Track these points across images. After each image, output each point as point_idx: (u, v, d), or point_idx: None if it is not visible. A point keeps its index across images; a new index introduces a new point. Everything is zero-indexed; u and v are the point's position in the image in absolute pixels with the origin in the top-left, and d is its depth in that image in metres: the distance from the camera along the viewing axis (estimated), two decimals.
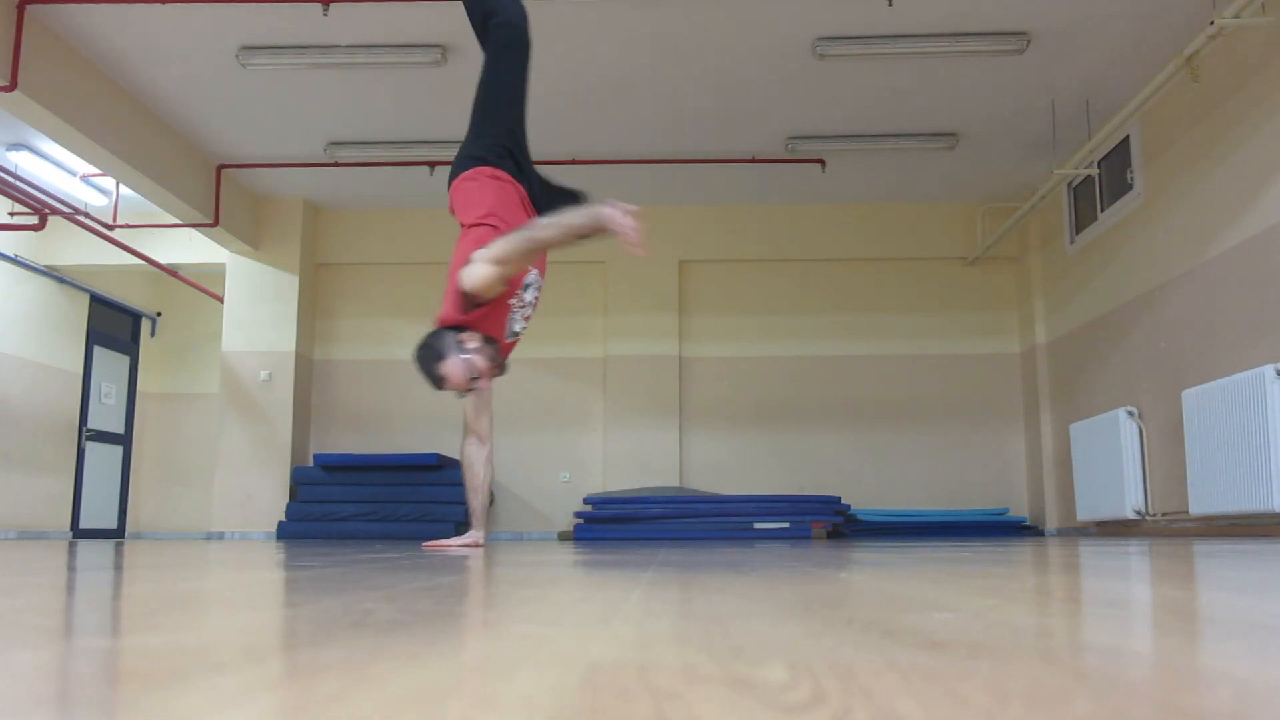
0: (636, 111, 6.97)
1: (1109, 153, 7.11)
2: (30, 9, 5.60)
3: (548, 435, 8.68)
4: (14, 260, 8.59)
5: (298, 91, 6.67)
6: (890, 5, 5.54)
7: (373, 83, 6.51)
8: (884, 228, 8.85)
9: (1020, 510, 8.57)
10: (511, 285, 3.73)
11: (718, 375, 8.80)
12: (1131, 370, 6.84)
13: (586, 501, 8.09)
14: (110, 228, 8.21)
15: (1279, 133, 5.21)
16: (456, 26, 5.84)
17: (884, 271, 8.91)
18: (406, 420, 8.67)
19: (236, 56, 6.11)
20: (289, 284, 8.60)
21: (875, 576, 1.61)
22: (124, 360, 10.28)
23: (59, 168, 7.89)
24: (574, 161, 7.78)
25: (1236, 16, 4.80)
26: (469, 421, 4.11)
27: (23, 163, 7.69)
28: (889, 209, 8.86)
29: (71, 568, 2.09)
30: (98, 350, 9.81)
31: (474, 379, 3.59)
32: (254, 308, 8.56)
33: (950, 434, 8.67)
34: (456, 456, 8.25)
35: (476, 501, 4.07)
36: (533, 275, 3.98)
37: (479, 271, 3.50)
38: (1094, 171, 7.22)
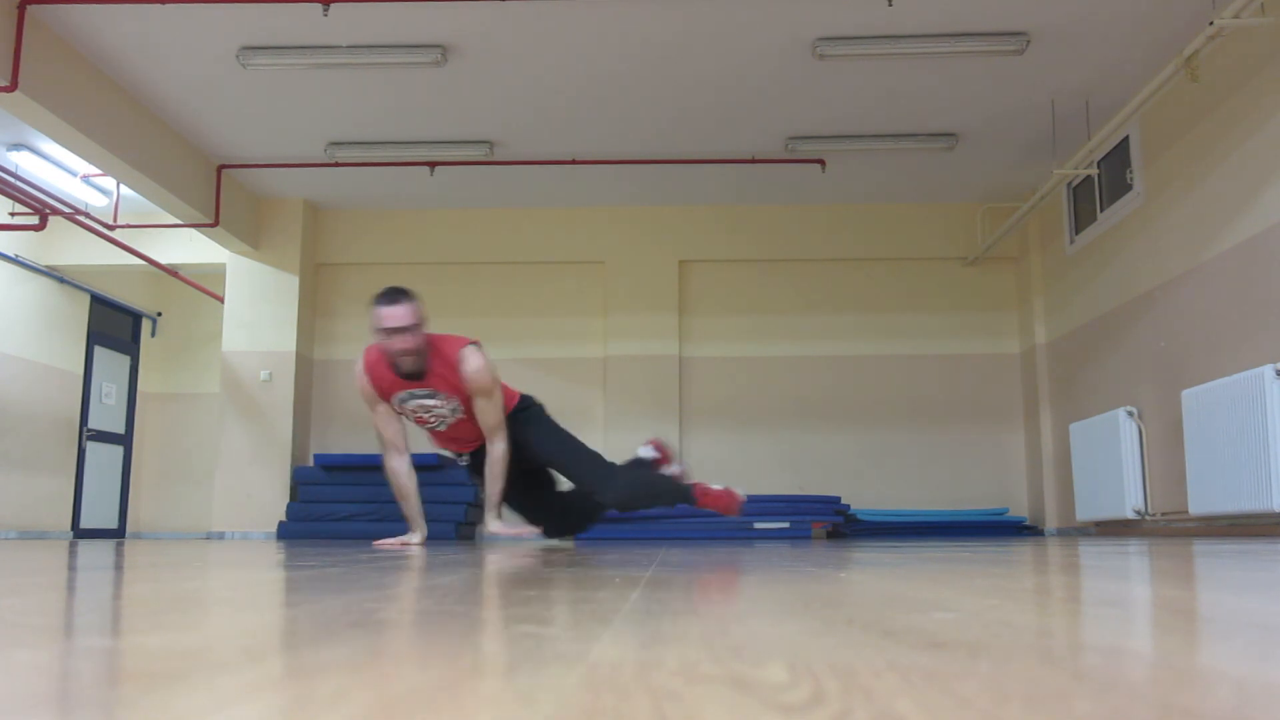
0: (636, 111, 6.97)
1: (1109, 153, 7.11)
2: (30, 9, 5.60)
3: None
4: (14, 260, 8.60)
5: (298, 91, 6.67)
6: (890, 5, 5.54)
7: (373, 83, 6.51)
8: (884, 228, 8.85)
9: (1020, 510, 8.56)
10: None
11: (718, 375, 8.80)
12: (1131, 370, 6.84)
13: None
14: (111, 228, 8.21)
15: (1279, 133, 5.21)
16: (457, 26, 5.84)
17: (884, 271, 8.91)
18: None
19: (236, 56, 6.11)
20: (289, 284, 8.60)
21: (875, 576, 1.61)
22: (124, 360, 10.28)
23: (59, 168, 7.89)
24: (574, 161, 7.79)
25: (1236, 16, 4.80)
26: (384, 436, 4.45)
27: (23, 163, 7.70)
28: (889, 209, 8.86)
29: (72, 568, 2.09)
30: (98, 350, 9.81)
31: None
32: (254, 308, 8.56)
33: (950, 434, 8.67)
34: None
35: (409, 508, 4.40)
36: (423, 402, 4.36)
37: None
38: (1094, 171, 7.22)
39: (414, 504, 4.40)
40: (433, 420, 4.34)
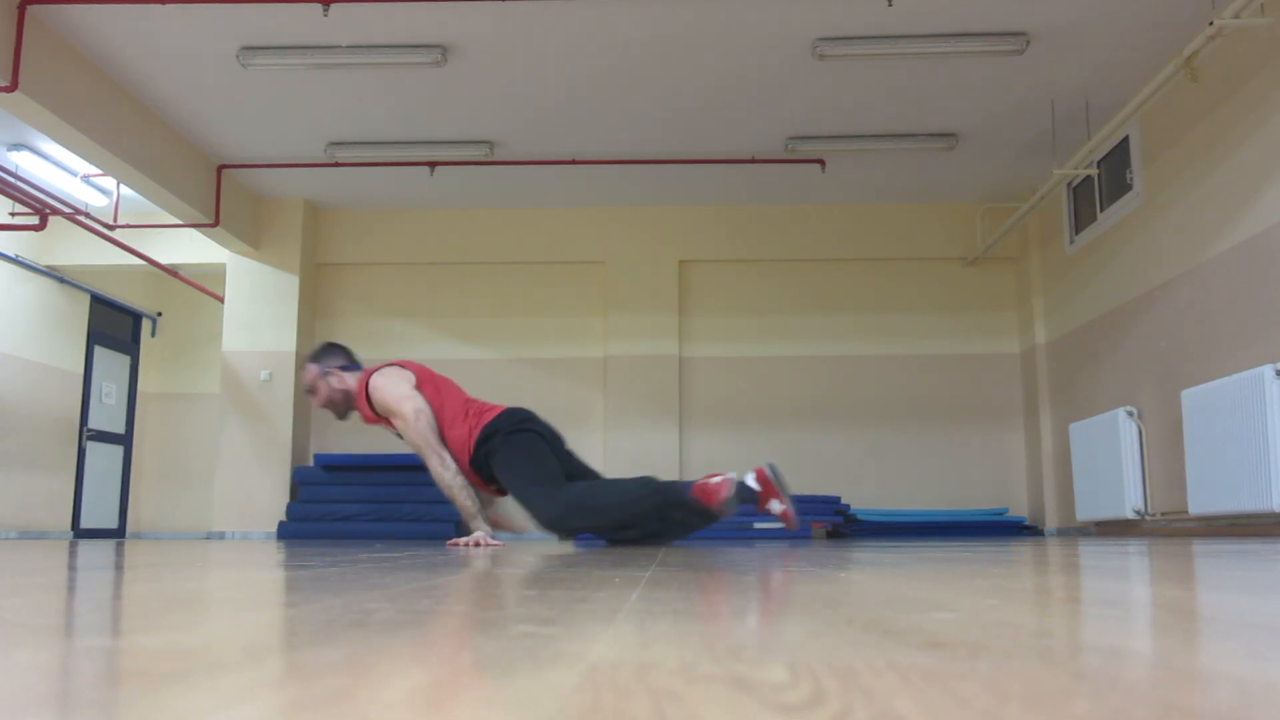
0: (636, 111, 6.97)
1: (1109, 153, 7.11)
2: (30, 9, 5.61)
3: None
4: (15, 260, 8.60)
5: (298, 91, 6.67)
6: (890, 5, 5.54)
7: (373, 83, 6.51)
8: (884, 228, 8.86)
9: (1020, 510, 8.57)
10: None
11: (718, 375, 8.80)
12: (1131, 370, 6.84)
13: None
14: (111, 228, 8.21)
15: (1278, 133, 5.21)
16: (457, 26, 5.84)
17: (884, 271, 8.91)
18: None
19: (236, 56, 6.11)
20: (289, 284, 8.60)
21: (875, 576, 1.61)
22: (124, 360, 10.28)
23: (59, 168, 7.89)
24: (574, 161, 7.79)
25: (1236, 17, 4.80)
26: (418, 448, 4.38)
27: (23, 163, 7.70)
28: (889, 209, 8.87)
29: (71, 568, 2.09)
30: (98, 350, 9.81)
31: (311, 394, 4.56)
32: (254, 308, 8.56)
33: (950, 434, 8.67)
34: None
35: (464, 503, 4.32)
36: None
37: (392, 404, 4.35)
38: (1093, 171, 7.22)
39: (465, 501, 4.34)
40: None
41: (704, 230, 8.90)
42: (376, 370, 4.44)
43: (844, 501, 8.19)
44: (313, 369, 4.51)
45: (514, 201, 8.79)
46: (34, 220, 7.80)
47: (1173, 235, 6.28)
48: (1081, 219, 7.71)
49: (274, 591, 1.33)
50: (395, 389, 4.32)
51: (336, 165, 7.81)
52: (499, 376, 8.59)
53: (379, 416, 4.42)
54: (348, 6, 5.59)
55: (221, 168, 7.96)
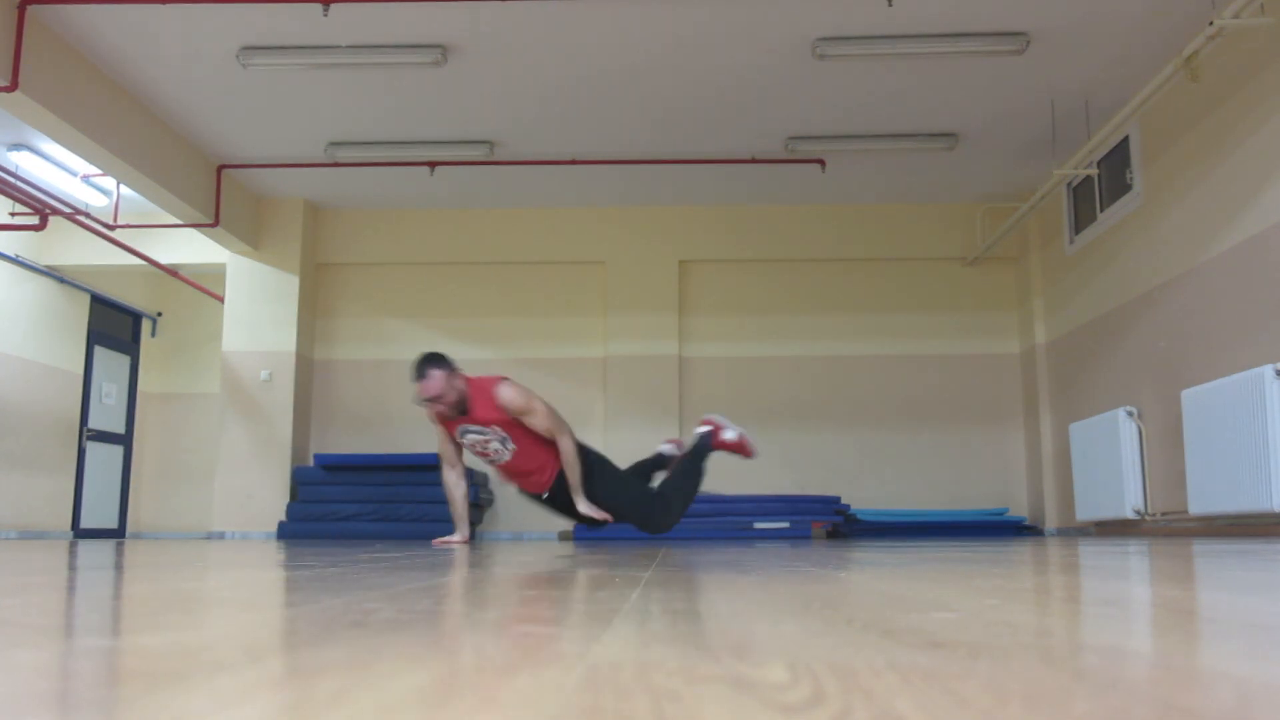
0: (637, 111, 6.97)
1: (1109, 153, 7.11)
2: (30, 9, 5.60)
3: None
4: (15, 260, 8.60)
5: (298, 91, 6.67)
6: (890, 5, 5.54)
7: (373, 83, 6.51)
8: (884, 228, 8.85)
9: (1020, 510, 8.56)
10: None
11: (718, 375, 8.80)
12: (1131, 370, 6.84)
13: None
14: (111, 228, 8.21)
15: (1278, 133, 5.21)
16: (456, 26, 5.84)
17: (884, 271, 8.91)
18: (407, 420, 8.67)
19: (236, 56, 6.11)
20: (289, 284, 8.60)
21: (875, 576, 1.61)
22: (124, 360, 10.28)
23: (60, 168, 7.89)
24: (574, 162, 7.79)
25: (1236, 17, 4.80)
26: (441, 453, 5.06)
27: (23, 163, 7.70)
28: (889, 209, 8.86)
29: (72, 568, 2.09)
30: (98, 350, 9.81)
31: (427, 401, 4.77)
32: (254, 308, 8.56)
33: (950, 434, 8.67)
34: None
35: (454, 512, 5.03)
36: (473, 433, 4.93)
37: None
38: (1093, 171, 7.22)
39: (458, 509, 5.00)
40: (491, 454, 4.89)
41: (704, 230, 8.89)
42: (501, 379, 4.88)
43: (844, 501, 8.19)
44: (445, 375, 4.74)
45: (514, 201, 8.79)
46: (34, 220, 7.80)
47: (1173, 235, 6.28)
48: (1081, 219, 7.71)
49: (274, 592, 1.33)
50: (530, 395, 4.88)
51: (336, 165, 7.81)
52: None
53: (495, 419, 4.81)
54: (348, 6, 5.58)
55: (221, 168, 7.95)
